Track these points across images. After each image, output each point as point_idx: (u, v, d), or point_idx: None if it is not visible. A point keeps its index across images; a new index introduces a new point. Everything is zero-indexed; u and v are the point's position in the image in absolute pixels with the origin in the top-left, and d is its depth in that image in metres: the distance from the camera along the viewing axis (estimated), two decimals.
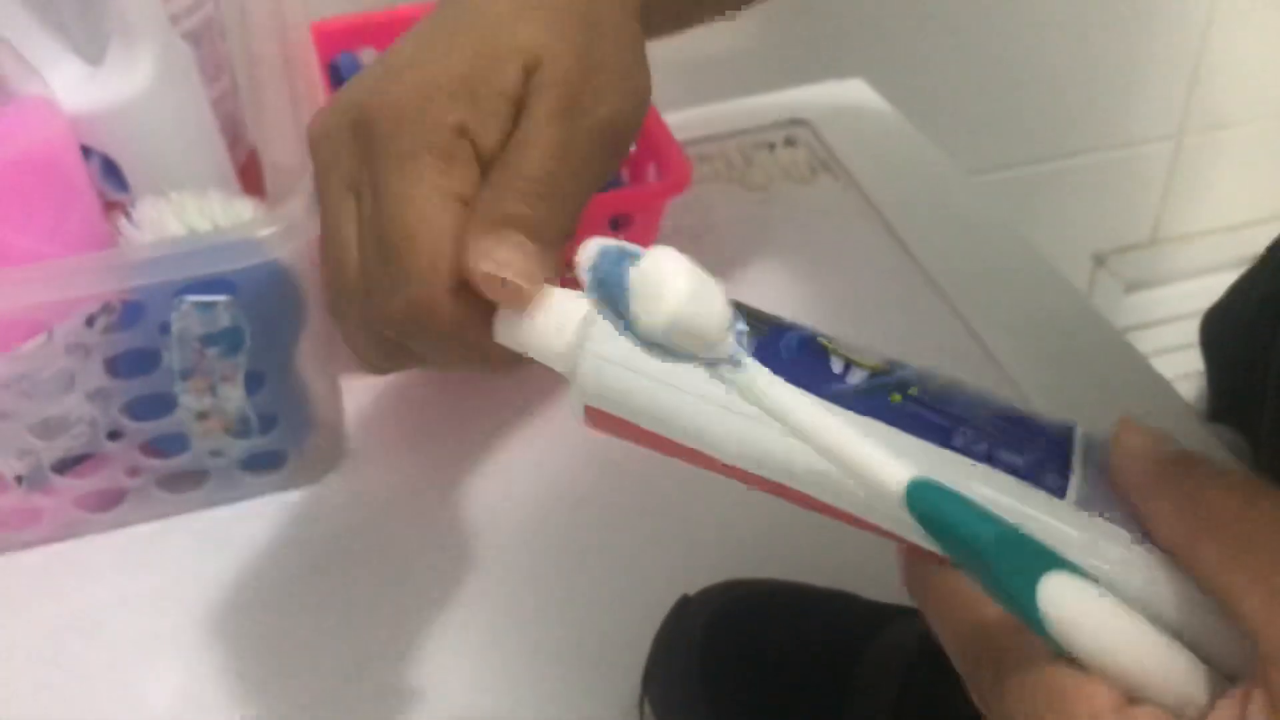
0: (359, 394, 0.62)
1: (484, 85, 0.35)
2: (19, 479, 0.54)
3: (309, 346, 0.55)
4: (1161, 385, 0.65)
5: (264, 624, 0.53)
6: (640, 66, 0.38)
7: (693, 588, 0.47)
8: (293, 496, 0.58)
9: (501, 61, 0.35)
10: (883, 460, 0.29)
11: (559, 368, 0.32)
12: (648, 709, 0.45)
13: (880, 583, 0.47)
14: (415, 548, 0.56)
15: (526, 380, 0.62)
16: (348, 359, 0.63)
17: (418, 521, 0.57)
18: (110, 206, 0.54)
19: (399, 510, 0.58)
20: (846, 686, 0.42)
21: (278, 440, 0.56)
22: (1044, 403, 0.62)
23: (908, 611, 0.44)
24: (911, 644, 0.43)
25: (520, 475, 0.59)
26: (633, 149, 0.66)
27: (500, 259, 0.32)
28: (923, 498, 0.28)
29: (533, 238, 0.33)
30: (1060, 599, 0.27)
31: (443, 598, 0.54)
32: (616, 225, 0.64)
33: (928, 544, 0.29)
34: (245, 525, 0.57)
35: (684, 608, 0.45)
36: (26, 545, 0.56)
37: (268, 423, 0.55)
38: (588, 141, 0.36)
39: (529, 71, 0.35)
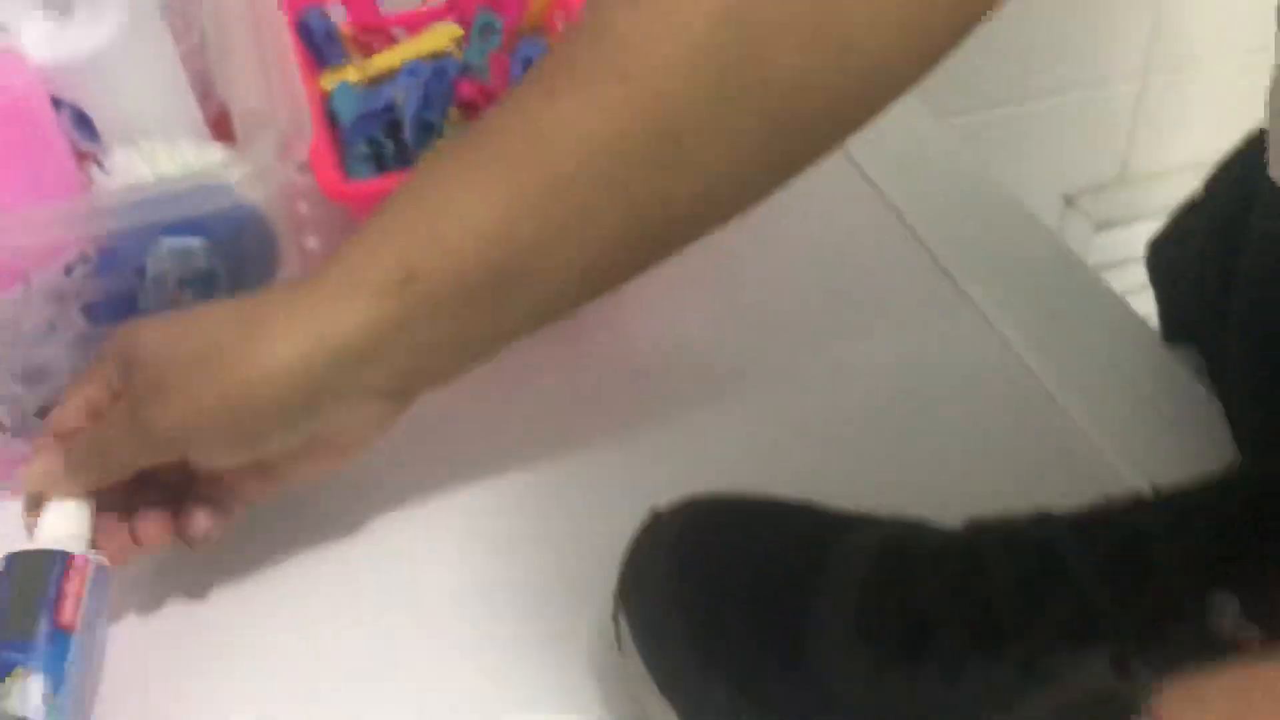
0: None
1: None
2: (3, 426, 0.55)
3: None
4: (1134, 321, 0.66)
5: (234, 557, 0.54)
6: (256, 391, 0.44)
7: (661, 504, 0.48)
8: None
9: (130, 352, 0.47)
10: None
11: None
12: (623, 623, 0.46)
13: (842, 493, 0.48)
14: (380, 472, 0.56)
15: None
16: None
17: (382, 448, 0.58)
18: (82, 157, 0.55)
19: None
20: (811, 590, 0.43)
21: None
22: (1018, 341, 0.63)
23: (869, 519, 0.46)
24: (873, 547, 0.44)
25: (483, 400, 0.59)
26: None
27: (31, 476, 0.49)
28: None
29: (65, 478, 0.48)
30: None
31: (408, 523, 0.55)
32: None
33: None
34: None
35: (654, 523, 0.47)
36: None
37: None
38: (132, 436, 0.46)
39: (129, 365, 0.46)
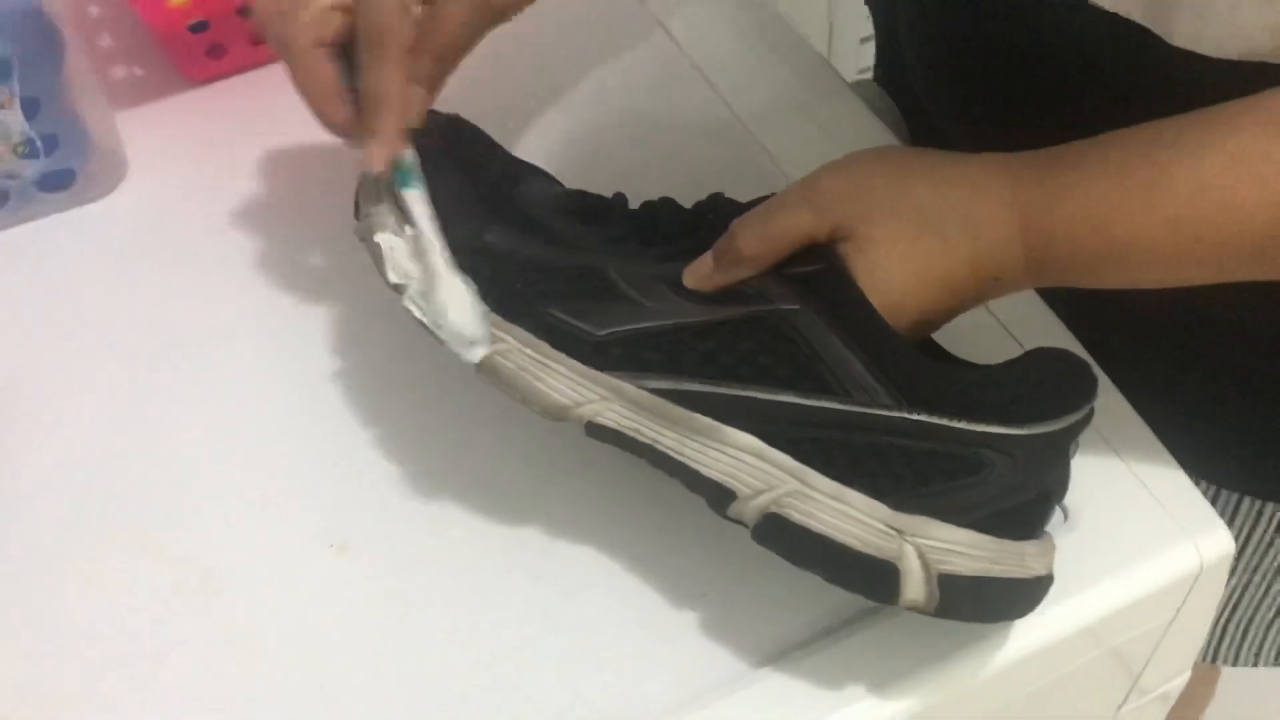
0: (134, 121, 0.73)
1: None
2: None
3: (73, 76, 0.66)
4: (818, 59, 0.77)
5: (72, 318, 0.64)
6: None
7: None
8: (87, 211, 0.69)
9: None
10: None
11: None
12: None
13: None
14: (199, 242, 0.68)
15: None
16: (116, 88, 0.73)
17: (200, 220, 0.68)
18: None
19: (180, 213, 0.69)
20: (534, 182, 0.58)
21: (63, 159, 0.67)
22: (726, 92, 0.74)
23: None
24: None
25: None
26: None
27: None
28: None
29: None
30: None
31: (224, 273, 0.66)
32: None
33: None
34: (47, 238, 0.68)
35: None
36: None
37: (51, 143, 0.66)
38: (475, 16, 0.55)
39: None
